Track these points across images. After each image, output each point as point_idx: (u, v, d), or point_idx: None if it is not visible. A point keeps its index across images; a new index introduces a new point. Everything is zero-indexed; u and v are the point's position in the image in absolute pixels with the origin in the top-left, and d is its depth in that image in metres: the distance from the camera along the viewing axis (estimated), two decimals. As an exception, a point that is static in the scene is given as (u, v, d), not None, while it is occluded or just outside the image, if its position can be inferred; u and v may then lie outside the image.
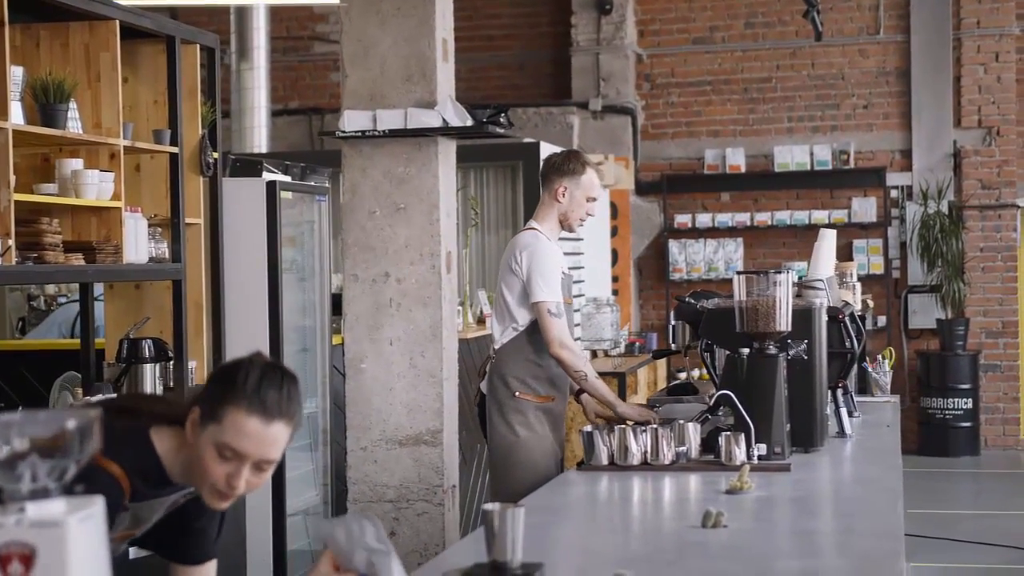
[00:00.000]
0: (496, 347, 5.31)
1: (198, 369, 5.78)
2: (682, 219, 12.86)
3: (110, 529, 2.57)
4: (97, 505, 1.78)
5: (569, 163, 5.31)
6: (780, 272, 4.44)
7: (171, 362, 5.51)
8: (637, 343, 11.06)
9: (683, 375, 12.31)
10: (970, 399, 12.18)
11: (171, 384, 5.53)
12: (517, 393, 5.19)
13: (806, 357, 4.53)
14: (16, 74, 4.66)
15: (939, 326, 12.32)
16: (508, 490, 5.02)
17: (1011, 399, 12.54)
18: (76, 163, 4.98)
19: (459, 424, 6.16)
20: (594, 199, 5.33)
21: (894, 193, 12.66)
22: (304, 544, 6.69)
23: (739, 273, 4.47)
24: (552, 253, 5.19)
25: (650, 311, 13.05)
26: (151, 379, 5.37)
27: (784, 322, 4.40)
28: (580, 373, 5.10)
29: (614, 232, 12.35)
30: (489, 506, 2.75)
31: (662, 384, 11.13)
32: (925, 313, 12.51)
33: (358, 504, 5.74)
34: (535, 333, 5.19)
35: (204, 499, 2.63)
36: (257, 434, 2.53)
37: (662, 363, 11.18)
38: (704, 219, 12.81)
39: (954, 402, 12.16)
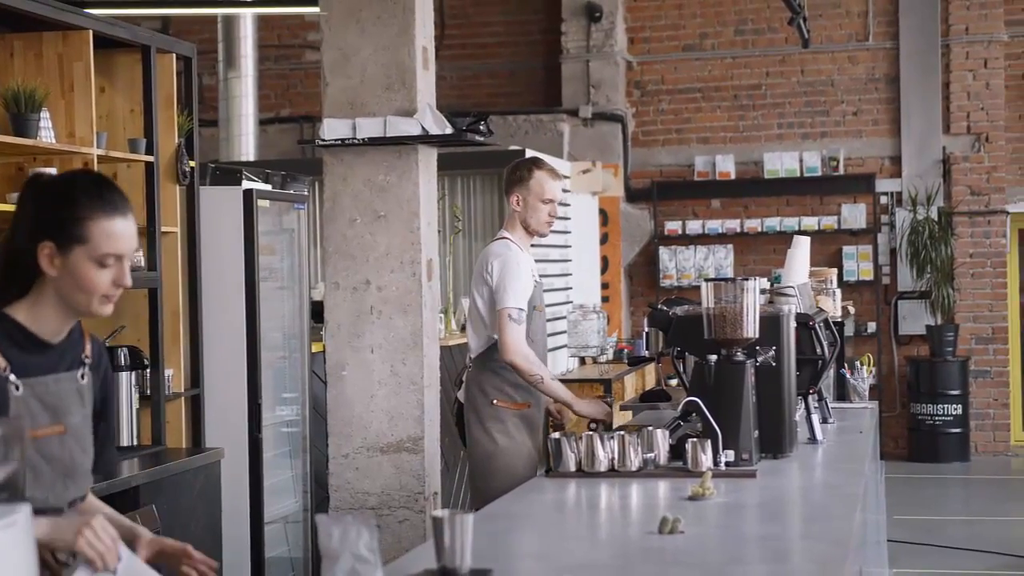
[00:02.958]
0: (472, 356, 5.40)
1: (175, 377, 5.80)
2: (672, 226, 12.88)
3: (25, 416, 2.59)
4: (22, 513, 1.80)
5: (517, 171, 5.44)
6: (748, 279, 4.45)
7: (147, 370, 5.53)
8: (626, 350, 11.07)
9: (674, 382, 12.31)
10: (960, 405, 12.19)
11: (147, 392, 5.55)
12: (495, 401, 5.26)
13: (774, 364, 4.54)
14: (-13, 84, 4.70)
15: (929, 332, 12.33)
16: (488, 497, 5.04)
17: (1001, 405, 12.55)
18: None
19: (441, 431, 6.18)
20: (550, 200, 5.39)
21: (884, 199, 12.68)
22: (283, 551, 6.70)
23: (707, 280, 4.48)
24: (523, 262, 5.26)
25: (640, 318, 13.05)
26: (127, 388, 5.38)
27: (752, 329, 4.41)
28: (535, 377, 5.18)
29: (604, 239, 12.37)
30: (438, 513, 2.77)
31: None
32: (915, 319, 12.52)
33: (339, 512, 5.76)
34: None
35: (92, 313, 2.71)
36: (124, 232, 2.69)
37: (651, 369, 11.20)
38: (694, 226, 12.83)
39: (944, 408, 12.17)
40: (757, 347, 4.49)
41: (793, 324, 4.71)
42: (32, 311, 2.70)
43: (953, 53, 12.55)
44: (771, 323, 4.56)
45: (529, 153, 9.71)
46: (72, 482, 2.70)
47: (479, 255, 5.48)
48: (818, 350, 5.02)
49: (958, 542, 8.85)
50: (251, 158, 10.46)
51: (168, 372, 5.71)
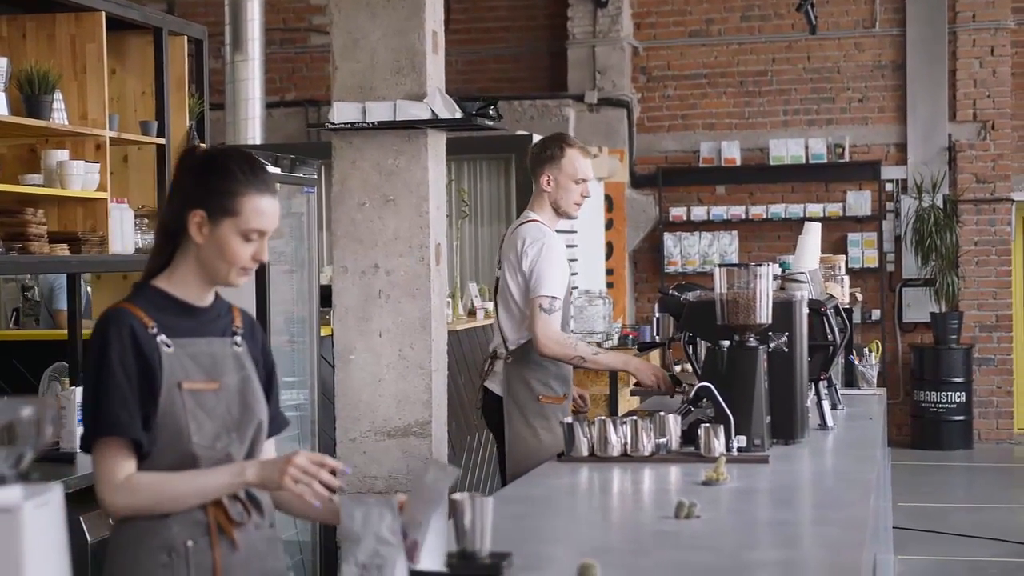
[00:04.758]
0: (511, 347, 5.18)
1: (185, 360, 5.79)
2: (677, 212, 12.88)
3: (178, 370, 2.78)
4: (54, 492, 1.80)
5: (547, 149, 5.23)
6: (761, 265, 4.45)
7: (157, 352, 5.52)
8: (631, 336, 11.06)
9: (678, 368, 12.32)
10: (963, 392, 12.20)
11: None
12: (541, 397, 5.11)
13: (786, 350, 4.54)
14: (0, 65, 4.68)
15: (933, 320, 12.33)
16: None
17: (1004, 393, 12.56)
18: (62, 154, 4.99)
19: (448, 416, 6.17)
20: (583, 180, 5.19)
21: (889, 187, 12.67)
22: (291, 534, 6.71)
23: (720, 266, 4.48)
24: (560, 247, 5.09)
25: (645, 304, 13.07)
26: (137, 370, 5.37)
27: (764, 314, 4.41)
28: (576, 359, 5.01)
29: (609, 225, 12.37)
30: (458, 496, 2.78)
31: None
32: (919, 306, 12.53)
33: (345, 495, 5.76)
34: None
35: (228, 283, 2.84)
36: (271, 210, 2.84)
37: (655, 355, 11.20)
38: (699, 212, 12.83)
39: (947, 395, 12.18)
40: (770, 333, 4.48)
41: (805, 310, 4.71)
42: (173, 279, 2.84)
43: (960, 40, 12.53)
44: (783, 309, 4.55)
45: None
46: (236, 437, 2.83)
47: (508, 238, 5.27)
48: (829, 336, 5.02)
49: (962, 529, 8.86)
50: (257, 142, 10.44)
51: (178, 354, 5.71)
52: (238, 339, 2.92)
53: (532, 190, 5.44)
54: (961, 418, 12.22)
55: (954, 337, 12.24)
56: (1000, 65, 12.48)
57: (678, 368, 11.98)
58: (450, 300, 8.12)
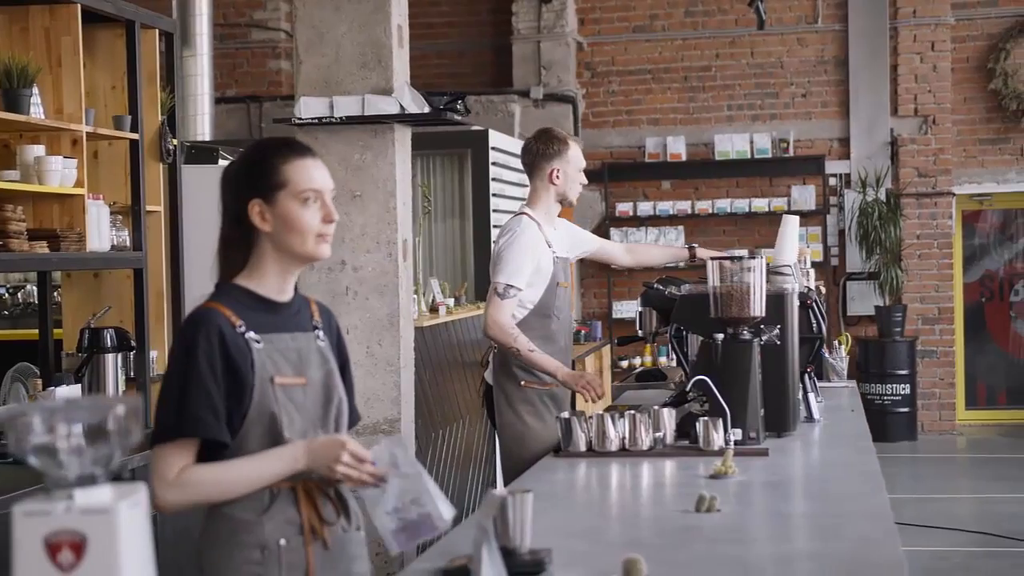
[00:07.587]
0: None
1: (159, 359, 5.70)
2: (623, 207, 12.90)
3: (269, 366, 2.78)
4: (142, 492, 1.76)
5: (552, 145, 5.28)
6: (754, 258, 4.45)
7: (133, 352, 5.43)
8: (582, 332, 11.09)
9: (625, 363, 12.35)
10: (907, 385, 12.33)
11: (132, 374, 5.45)
12: (523, 383, 5.17)
13: (779, 342, 4.55)
14: (-23, 58, 4.58)
15: (877, 312, 12.45)
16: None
17: (947, 384, 12.71)
18: (38, 149, 4.89)
19: (415, 412, 6.14)
20: (582, 169, 5.36)
21: (833, 181, 12.78)
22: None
23: (713, 259, 4.48)
24: (532, 239, 5.15)
25: (591, 300, 13.09)
26: (113, 369, 5.28)
27: (758, 307, 4.42)
28: (512, 350, 5.07)
29: (556, 220, 12.35)
30: (499, 492, 2.74)
31: (607, 372, 11.18)
32: (863, 300, 12.64)
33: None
34: (535, 319, 5.14)
35: (313, 255, 2.83)
36: (317, 169, 2.86)
37: (607, 351, 11.23)
38: (645, 207, 12.86)
39: (892, 388, 12.30)
40: (761, 326, 4.49)
41: (796, 302, 4.72)
42: (254, 275, 2.84)
43: (901, 36, 12.66)
44: (775, 302, 4.57)
45: (494, 135, 9.68)
46: (321, 432, 2.83)
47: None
48: (815, 328, 5.04)
49: (909, 520, 8.94)
50: (207, 138, 10.29)
51: (153, 353, 5.62)
52: (320, 333, 2.93)
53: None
54: (906, 410, 12.35)
55: (898, 330, 12.37)
56: (940, 60, 12.63)
57: (624, 363, 12.01)
58: (414, 297, 8.08)
